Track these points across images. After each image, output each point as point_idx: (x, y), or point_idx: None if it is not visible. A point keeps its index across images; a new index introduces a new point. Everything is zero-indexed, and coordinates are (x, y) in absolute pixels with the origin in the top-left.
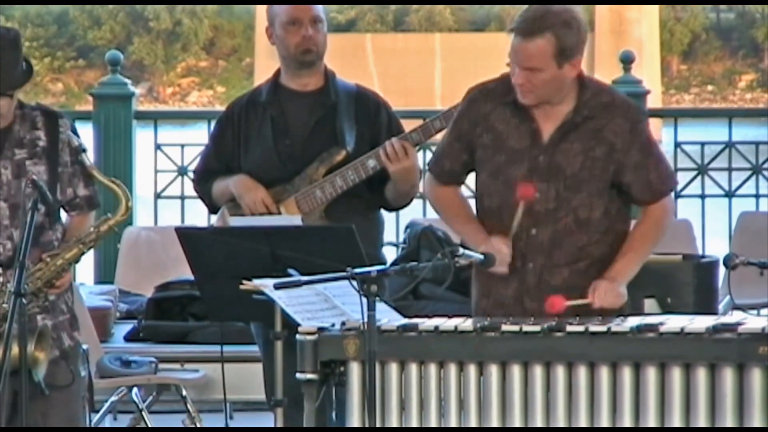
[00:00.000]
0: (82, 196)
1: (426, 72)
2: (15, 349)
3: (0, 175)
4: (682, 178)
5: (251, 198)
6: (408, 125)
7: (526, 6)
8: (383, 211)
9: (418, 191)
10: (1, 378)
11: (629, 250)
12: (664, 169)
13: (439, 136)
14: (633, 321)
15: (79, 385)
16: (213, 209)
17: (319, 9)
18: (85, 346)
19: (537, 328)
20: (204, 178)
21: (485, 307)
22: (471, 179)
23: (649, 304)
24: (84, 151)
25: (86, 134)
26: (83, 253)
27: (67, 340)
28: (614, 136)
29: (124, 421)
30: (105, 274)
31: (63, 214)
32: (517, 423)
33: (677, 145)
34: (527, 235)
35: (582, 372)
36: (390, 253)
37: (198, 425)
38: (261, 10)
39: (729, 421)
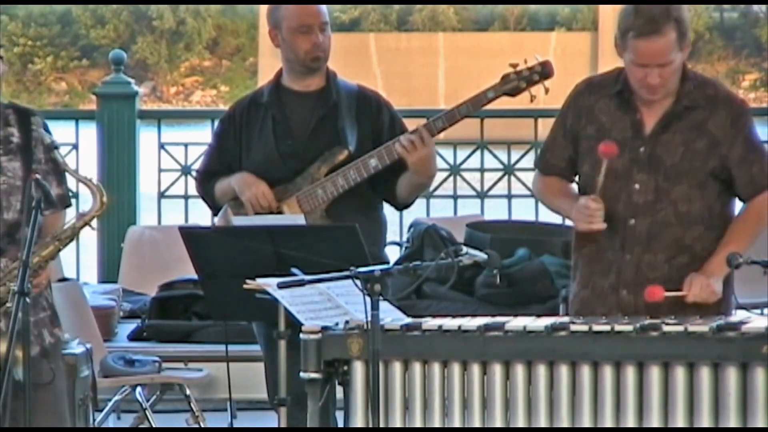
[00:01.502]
0: (56, 195)
1: (429, 71)
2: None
3: None
4: None
5: (252, 193)
6: (411, 124)
7: (629, 11)
8: (387, 210)
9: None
10: (4, 376)
11: (728, 244)
12: (766, 162)
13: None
14: (636, 320)
15: (62, 381)
16: (216, 210)
17: (326, 12)
18: (88, 345)
19: (540, 327)
20: (206, 179)
21: (584, 297)
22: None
23: None
24: (56, 148)
25: (90, 134)
26: (59, 251)
27: (47, 337)
28: (716, 129)
29: (127, 420)
30: (109, 273)
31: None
32: (521, 422)
33: None
34: (626, 225)
35: (585, 371)
36: (393, 253)
37: (202, 424)
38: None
39: (732, 421)
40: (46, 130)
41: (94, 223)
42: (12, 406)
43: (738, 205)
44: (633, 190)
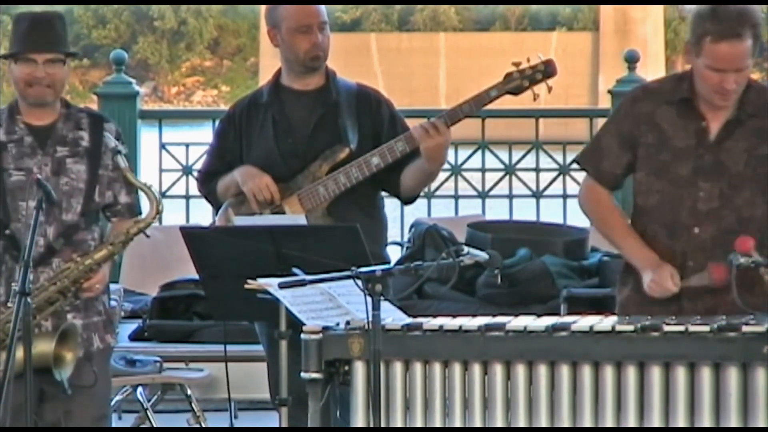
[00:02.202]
0: (123, 203)
1: (430, 71)
2: (39, 348)
3: (40, 170)
4: None
5: (255, 184)
6: (412, 124)
7: (707, 15)
8: (387, 210)
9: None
10: (7, 375)
11: None
12: None
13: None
14: (637, 320)
15: (105, 387)
16: (218, 209)
17: (325, 12)
18: None
19: (542, 327)
20: (208, 179)
21: (639, 301)
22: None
23: None
24: (119, 152)
25: None
26: (113, 255)
27: (96, 341)
28: None
29: (128, 420)
30: (110, 273)
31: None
32: (522, 422)
33: None
34: (689, 234)
35: (586, 371)
36: (395, 253)
37: (203, 424)
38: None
39: (733, 421)
40: (119, 137)
41: (150, 230)
42: (53, 406)
43: None
44: (698, 197)
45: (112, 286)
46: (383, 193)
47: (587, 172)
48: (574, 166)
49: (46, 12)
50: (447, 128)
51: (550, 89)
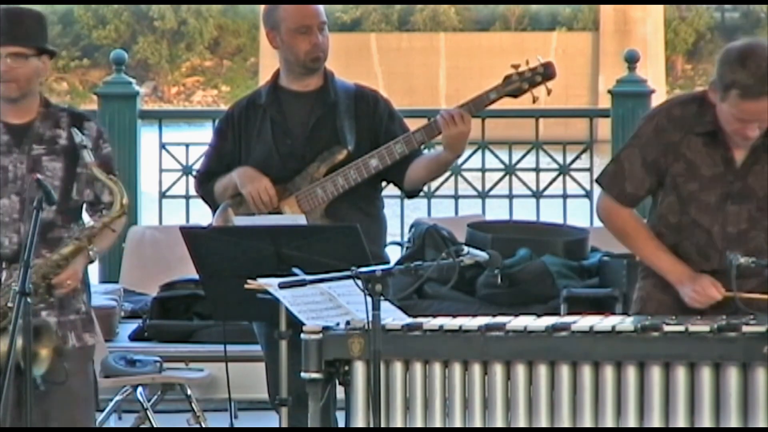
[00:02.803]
0: (106, 202)
1: (430, 71)
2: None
3: (15, 168)
4: None
5: (254, 187)
6: (412, 124)
7: (736, 64)
8: (387, 210)
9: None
10: (6, 375)
11: None
12: None
13: None
14: (637, 320)
15: (84, 388)
16: (216, 209)
17: (323, 12)
18: None
19: (542, 327)
20: (206, 180)
21: (662, 299)
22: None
23: None
24: (85, 147)
25: None
26: (79, 250)
27: (73, 340)
28: None
29: (128, 420)
30: (110, 273)
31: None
32: (522, 422)
33: None
34: (720, 256)
35: (586, 371)
36: (395, 253)
37: (203, 424)
38: None
39: (733, 421)
40: (102, 135)
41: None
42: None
43: None
44: (727, 221)
45: (112, 286)
46: (383, 193)
47: (610, 194)
48: (574, 165)
49: (21, 7)
50: (436, 136)
51: (549, 92)
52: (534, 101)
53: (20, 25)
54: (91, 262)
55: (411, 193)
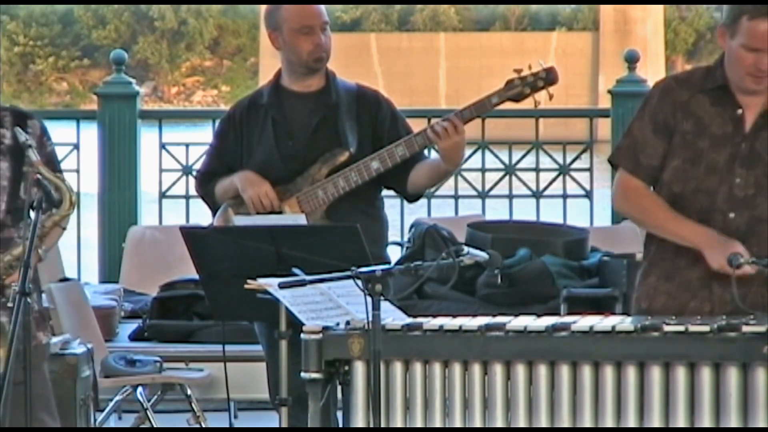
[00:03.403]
0: (55, 200)
1: (430, 71)
2: None
3: None
4: None
5: (255, 191)
6: (412, 124)
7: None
8: (388, 211)
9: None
10: (6, 375)
11: None
12: None
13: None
14: (637, 320)
15: (37, 385)
16: (216, 210)
17: (325, 12)
18: (89, 346)
19: (542, 327)
20: (206, 180)
21: (668, 290)
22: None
23: None
24: (30, 146)
25: (91, 134)
26: (30, 249)
27: (41, 337)
28: None
29: (128, 420)
30: (110, 273)
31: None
32: (522, 422)
33: None
34: (725, 219)
35: (586, 371)
36: (395, 253)
37: (202, 424)
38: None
39: (733, 421)
40: (45, 133)
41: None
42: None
43: None
44: (734, 184)
45: (112, 286)
46: (383, 193)
47: (625, 168)
48: (574, 165)
49: None
50: (463, 126)
51: (551, 96)
52: (536, 105)
53: None
54: (41, 260)
55: (412, 199)
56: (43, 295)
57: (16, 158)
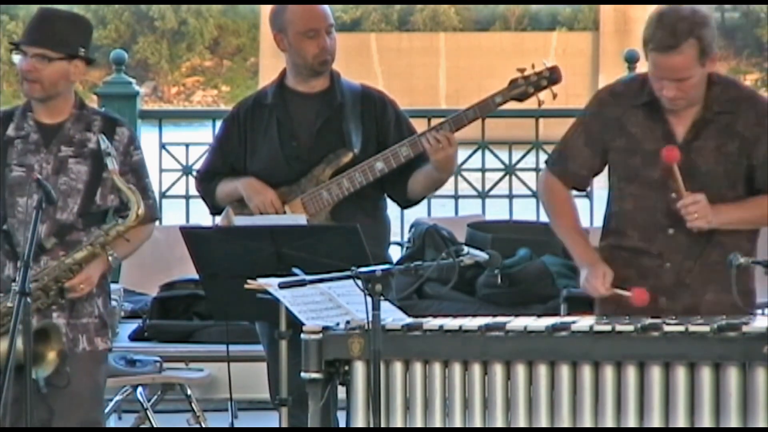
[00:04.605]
0: (129, 211)
1: (430, 71)
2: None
3: (41, 168)
4: None
5: (261, 200)
6: (412, 124)
7: (654, 20)
8: (388, 211)
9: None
10: (6, 375)
11: (736, 204)
12: None
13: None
14: (637, 320)
15: (91, 391)
16: (214, 209)
17: (330, 14)
18: None
19: (542, 327)
20: (207, 178)
21: (618, 299)
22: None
23: None
24: (108, 155)
25: None
26: (93, 255)
27: (83, 343)
28: (744, 129)
29: (128, 420)
30: (107, 275)
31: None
32: (522, 422)
33: None
34: (665, 235)
35: (586, 371)
36: (395, 253)
37: (203, 424)
38: (266, 9)
39: (733, 421)
40: (133, 141)
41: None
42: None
43: None
44: (671, 199)
45: (112, 286)
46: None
47: (552, 171)
48: None
49: (57, 9)
50: (454, 136)
51: (555, 96)
52: (539, 105)
53: (48, 28)
54: (112, 267)
55: (409, 205)
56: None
57: (97, 163)
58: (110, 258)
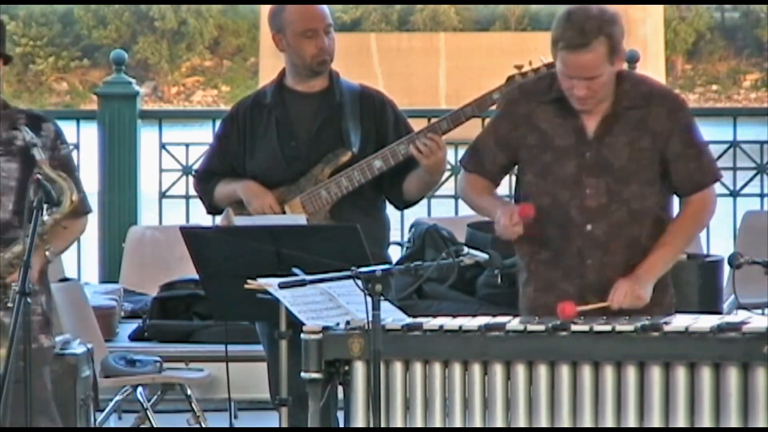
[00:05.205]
0: (57, 200)
1: (430, 71)
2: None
3: None
4: None
5: (260, 203)
6: (412, 124)
7: (562, 20)
8: (388, 211)
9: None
10: (6, 376)
11: (663, 245)
12: (706, 160)
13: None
14: (637, 320)
15: (35, 387)
16: (211, 209)
17: (329, 14)
18: (89, 346)
19: (542, 327)
20: (206, 178)
21: (546, 302)
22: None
23: None
24: (35, 145)
25: (91, 134)
26: (30, 249)
27: (43, 340)
28: (656, 125)
29: (128, 420)
30: (110, 273)
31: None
32: (522, 422)
33: None
34: (582, 231)
35: (586, 371)
36: (395, 253)
37: (202, 424)
38: (266, 10)
39: (733, 421)
40: (59, 136)
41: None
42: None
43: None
44: (585, 195)
45: (112, 286)
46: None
47: (468, 170)
48: None
49: None
50: (441, 138)
51: None
52: None
53: None
54: (49, 262)
55: (405, 206)
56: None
57: (27, 160)
58: (47, 252)
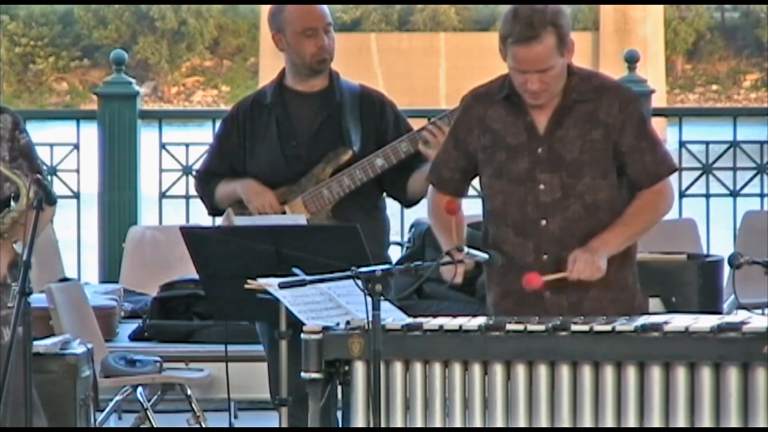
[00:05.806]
0: (16, 196)
1: (430, 71)
2: None
3: None
4: (686, 177)
5: (260, 202)
6: (412, 124)
7: (509, 16)
8: (388, 211)
9: None
10: (6, 376)
11: (618, 224)
12: (660, 152)
13: None
14: (637, 320)
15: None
16: (212, 210)
17: (329, 13)
18: (89, 346)
19: (542, 327)
20: (206, 179)
21: (507, 307)
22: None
23: (654, 303)
24: None
25: (91, 134)
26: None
27: (6, 335)
28: (607, 117)
29: (128, 420)
30: (110, 273)
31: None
32: (522, 422)
33: (682, 144)
34: (537, 227)
35: (586, 371)
36: (395, 253)
37: (203, 424)
38: (266, 9)
39: (733, 421)
40: (18, 126)
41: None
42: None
43: None
44: (539, 191)
45: (112, 286)
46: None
47: (432, 184)
48: None
49: None
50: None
51: None
52: None
53: None
54: (18, 255)
55: (410, 204)
56: (42, 296)
57: None
58: (14, 245)
